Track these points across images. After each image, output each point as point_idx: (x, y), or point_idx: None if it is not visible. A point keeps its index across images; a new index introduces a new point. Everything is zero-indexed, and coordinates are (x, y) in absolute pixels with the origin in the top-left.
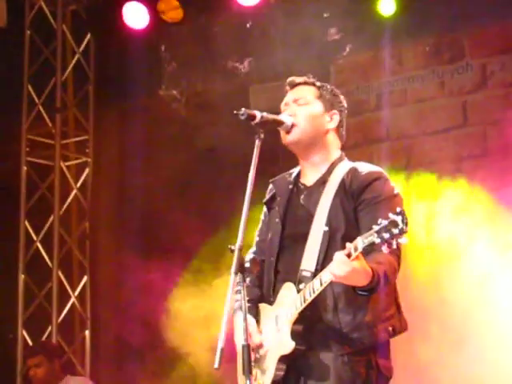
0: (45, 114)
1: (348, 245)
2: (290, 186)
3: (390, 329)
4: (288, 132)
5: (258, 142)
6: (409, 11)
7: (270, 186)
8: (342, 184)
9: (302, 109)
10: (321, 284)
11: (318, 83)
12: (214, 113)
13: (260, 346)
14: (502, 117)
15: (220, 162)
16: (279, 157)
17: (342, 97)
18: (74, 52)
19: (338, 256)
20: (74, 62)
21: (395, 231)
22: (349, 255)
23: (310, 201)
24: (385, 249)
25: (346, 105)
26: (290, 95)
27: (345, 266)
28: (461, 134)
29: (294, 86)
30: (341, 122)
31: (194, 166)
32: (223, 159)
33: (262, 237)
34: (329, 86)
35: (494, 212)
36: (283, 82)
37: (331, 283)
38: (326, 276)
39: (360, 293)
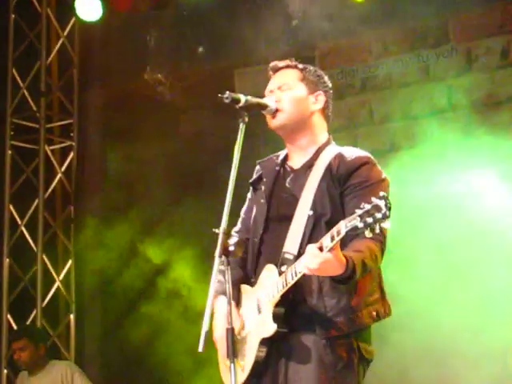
0: (29, 98)
1: (324, 237)
2: (277, 168)
3: (374, 314)
4: (273, 116)
5: (242, 126)
6: None
7: (257, 167)
8: (329, 168)
9: (286, 93)
10: (295, 274)
11: (301, 65)
12: (199, 96)
13: (241, 328)
14: (486, 101)
15: (205, 146)
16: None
17: (326, 77)
18: (59, 36)
19: (310, 249)
20: (58, 45)
21: (378, 216)
22: (321, 248)
23: (295, 184)
24: (367, 233)
25: (330, 85)
26: (274, 81)
27: (316, 259)
28: (445, 118)
29: (276, 70)
30: (326, 102)
31: (179, 149)
32: (208, 143)
33: (248, 215)
34: (312, 68)
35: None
36: (268, 66)
37: None
38: (299, 268)
39: (337, 282)
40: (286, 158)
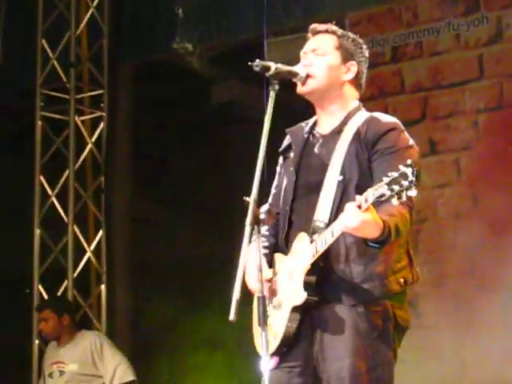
0: (59, 69)
1: (358, 197)
2: (306, 135)
3: (402, 280)
4: (303, 83)
5: (272, 94)
6: None
7: (287, 136)
8: (358, 134)
9: (319, 59)
10: (332, 235)
11: (340, 32)
12: (228, 66)
13: (274, 296)
14: None
15: (235, 116)
16: None
17: (364, 46)
18: (88, 6)
19: (349, 207)
20: (88, 16)
21: (405, 183)
22: (359, 206)
23: (324, 149)
24: (394, 201)
25: (367, 55)
26: (310, 44)
27: (356, 217)
28: (477, 87)
29: (315, 33)
30: (358, 72)
31: (209, 119)
32: (238, 113)
33: (278, 189)
34: (351, 35)
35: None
36: (299, 35)
37: (343, 234)
38: (338, 227)
39: (371, 245)
40: (314, 124)
